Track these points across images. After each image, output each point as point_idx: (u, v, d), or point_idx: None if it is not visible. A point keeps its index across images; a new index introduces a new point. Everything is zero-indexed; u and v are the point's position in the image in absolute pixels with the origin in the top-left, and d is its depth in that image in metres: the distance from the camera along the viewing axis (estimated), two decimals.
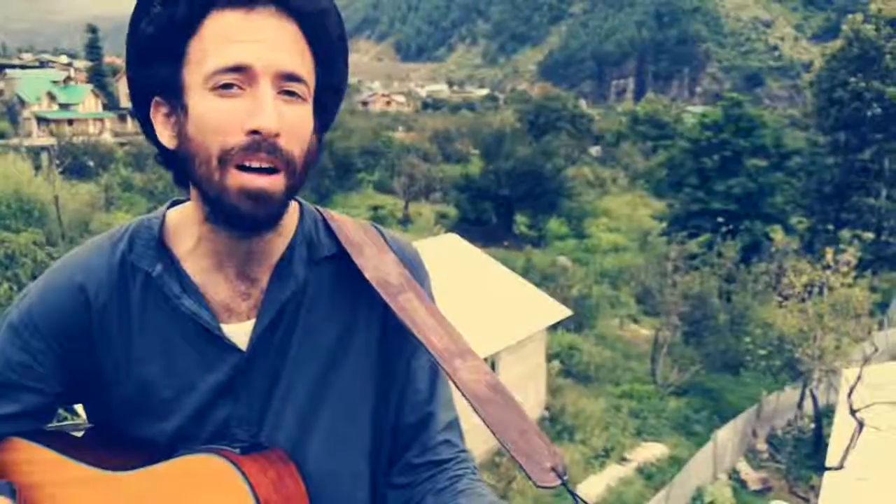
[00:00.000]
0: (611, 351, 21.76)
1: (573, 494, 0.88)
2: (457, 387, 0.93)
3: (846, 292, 16.78)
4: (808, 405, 17.78)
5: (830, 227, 32.40)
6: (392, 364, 1.05)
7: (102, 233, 1.04)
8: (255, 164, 0.87)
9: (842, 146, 33.45)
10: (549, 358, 18.59)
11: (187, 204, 1.01)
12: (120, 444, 0.99)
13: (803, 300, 17.25)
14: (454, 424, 1.09)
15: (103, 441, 1.01)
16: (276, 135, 0.86)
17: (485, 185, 36.96)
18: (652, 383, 19.68)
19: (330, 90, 0.97)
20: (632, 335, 24.19)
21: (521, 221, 38.14)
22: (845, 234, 30.61)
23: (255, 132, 0.86)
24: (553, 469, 0.88)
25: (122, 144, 45.88)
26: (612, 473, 15.30)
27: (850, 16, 36.84)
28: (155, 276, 0.97)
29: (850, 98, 32.78)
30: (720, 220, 29.42)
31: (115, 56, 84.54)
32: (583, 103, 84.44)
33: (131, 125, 58.73)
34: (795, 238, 30.64)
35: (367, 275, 1.00)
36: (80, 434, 1.05)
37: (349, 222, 1.07)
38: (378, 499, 1.06)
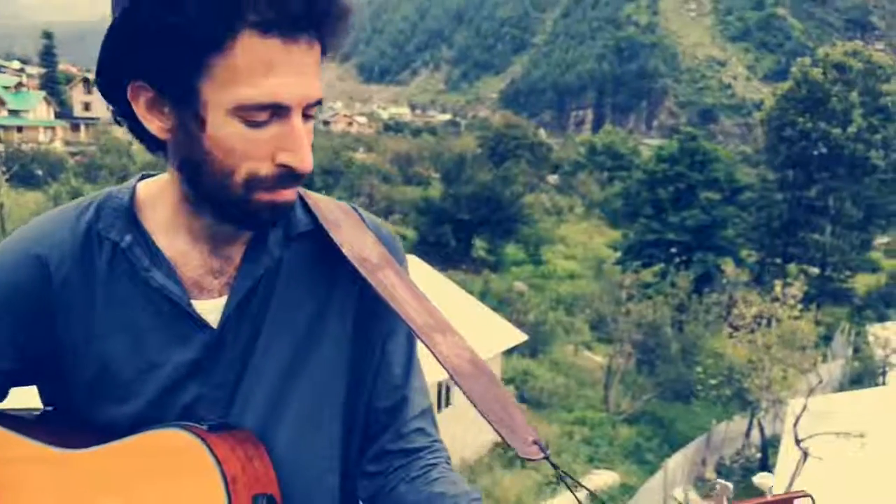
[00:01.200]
0: (564, 377, 21.88)
1: (554, 466, 0.90)
2: (438, 360, 0.91)
3: (793, 324, 17.23)
4: (756, 435, 18.10)
5: (779, 260, 33.38)
6: (366, 347, 1.02)
7: None
8: (284, 191, 0.87)
9: (790, 183, 34.62)
10: (504, 383, 18.58)
11: (159, 178, 0.97)
12: (75, 428, 0.93)
13: (752, 331, 17.65)
14: (428, 412, 1.06)
15: (57, 424, 0.95)
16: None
17: (444, 209, 37.13)
18: (604, 410, 19.82)
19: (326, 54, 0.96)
20: (585, 362, 24.37)
21: (479, 246, 38.34)
22: (793, 268, 31.53)
23: (287, 166, 0.86)
24: (535, 443, 0.89)
25: (73, 154, 44.89)
26: (564, 501, 15.29)
27: (799, 59, 38.35)
28: (124, 246, 0.92)
29: (799, 137, 34.04)
30: (674, 250, 30.09)
31: (69, 64, 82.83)
32: (542, 132, 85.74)
33: (84, 134, 57.54)
34: (746, 270, 31.42)
35: (344, 250, 0.97)
36: (30, 418, 0.99)
37: (326, 200, 1.04)
38: (348, 486, 1.03)
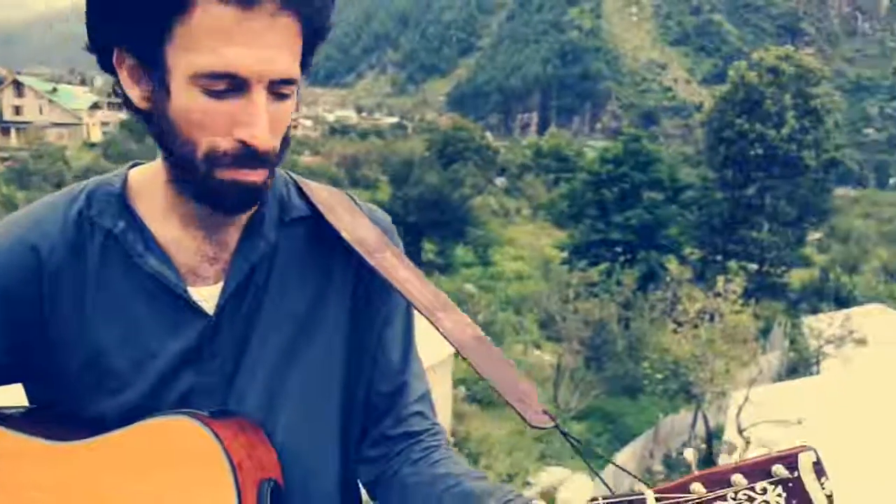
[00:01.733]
0: None
1: (565, 434, 0.92)
2: (444, 336, 0.93)
3: (734, 319, 17.76)
4: (701, 426, 18.59)
5: (720, 257, 34.26)
6: (364, 334, 1.01)
7: None
8: (245, 170, 0.84)
9: (729, 183, 35.59)
10: (455, 384, 18.67)
11: (150, 165, 0.95)
12: (63, 422, 0.91)
13: (696, 326, 18.12)
14: (426, 397, 1.07)
15: (44, 419, 0.92)
16: (271, 151, 0.84)
17: (393, 212, 35.89)
18: (554, 408, 20.06)
19: (309, 65, 0.93)
20: (535, 361, 24.63)
21: (428, 248, 38.33)
22: (733, 264, 32.41)
23: (244, 142, 0.83)
24: (545, 412, 0.91)
25: (3, 159, 43.13)
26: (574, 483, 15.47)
27: (735, 63, 39.49)
28: (117, 232, 0.90)
29: (737, 138, 35.03)
30: (619, 249, 30.64)
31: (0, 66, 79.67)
32: (489, 135, 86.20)
33: (15, 139, 55.36)
34: (688, 268, 32.18)
35: (343, 234, 0.96)
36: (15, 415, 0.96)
37: (320, 186, 1.04)
38: (348, 472, 1.02)
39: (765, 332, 25.74)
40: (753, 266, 33.54)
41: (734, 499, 0.76)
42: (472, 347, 0.94)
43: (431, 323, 0.94)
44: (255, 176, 0.85)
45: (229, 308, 0.92)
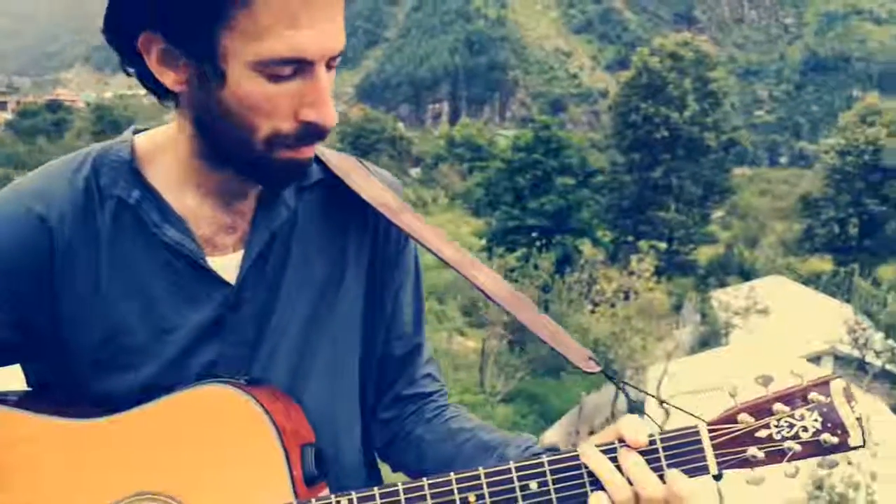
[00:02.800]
0: (440, 364, 22.22)
1: (611, 378, 0.99)
2: (483, 292, 0.94)
3: (649, 296, 18.49)
4: (622, 401, 19.27)
5: (631, 238, 35.51)
6: (380, 296, 1.01)
7: None
8: (305, 148, 0.83)
9: (637, 165, 36.90)
10: None
11: (159, 131, 0.91)
12: (71, 403, 0.86)
13: (613, 305, 18.76)
14: (434, 361, 1.10)
15: (46, 401, 0.87)
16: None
17: None
18: (481, 393, 20.33)
19: None
20: (459, 347, 24.87)
21: None
22: (643, 244, 33.68)
23: (310, 122, 0.82)
24: (591, 358, 0.93)
25: None
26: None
27: (638, 49, 40.86)
28: (132, 202, 0.86)
29: (642, 122, 36.34)
30: (535, 234, 31.25)
31: None
32: (401, 126, 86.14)
33: None
34: (602, 249, 33.20)
35: (364, 196, 0.95)
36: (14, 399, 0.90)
37: (330, 151, 1.02)
38: (365, 435, 1.03)
39: (677, 308, 26.91)
40: (663, 245, 34.94)
41: (776, 425, 0.80)
42: (515, 303, 0.96)
43: (469, 280, 0.95)
44: (311, 152, 0.86)
45: (251, 276, 0.91)
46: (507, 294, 0.97)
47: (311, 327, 0.94)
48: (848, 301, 23.31)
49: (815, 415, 0.81)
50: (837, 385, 0.82)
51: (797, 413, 0.81)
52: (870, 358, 18.65)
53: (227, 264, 0.90)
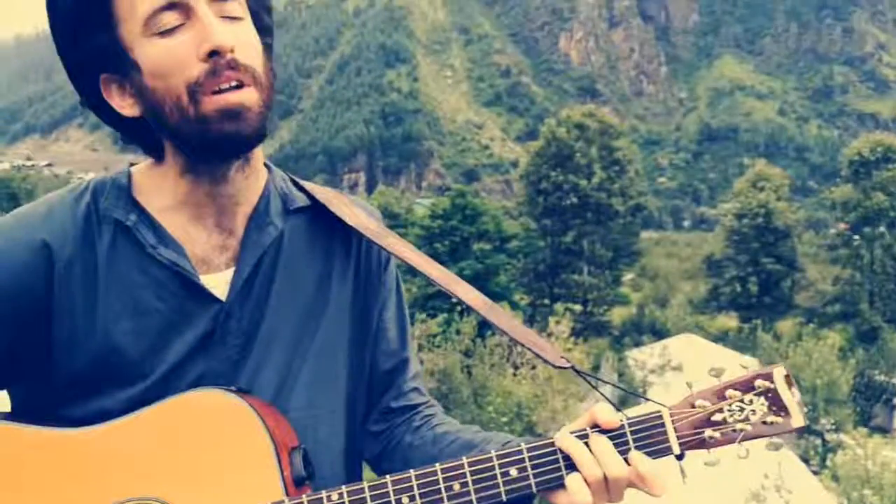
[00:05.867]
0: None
1: (579, 372, 1.03)
2: (464, 303, 1.03)
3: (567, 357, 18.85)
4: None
5: (547, 301, 36.27)
6: (365, 315, 1.06)
7: None
8: (225, 85, 0.85)
9: (549, 230, 38.09)
10: None
11: (152, 164, 0.97)
12: (56, 424, 0.86)
13: (533, 367, 19.00)
14: (420, 375, 1.15)
15: (31, 421, 0.87)
16: (232, 49, 0.85)
17: None
18: None
19: (262, 9, 0.96)
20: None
21: None
22: (559, 307, 34.43)
23: (212, 54, 0.85)
24: (562, 357, 1.01)
25: None
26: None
27: (546, 120, 42.73)
28: (130, 225, 0.90)
29: (553, 189, 37.73)
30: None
31: None
32: None
33: None
34: (519, 312, 33.72)
35: (350, 222, 1.02)
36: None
37: (314, 185, 1.09)
38: (353, 448, 1.06)
39: (595, 368, 27.45)
40: (578, 307, 35.84)
41: (729, 409, 0.89)
42: (486, 309, 1.04)
43: (450, 294, 1.04)
44: (239, 95, 0.87)
45: (242, 293, 0.95)
46: (483, 304, 1.06)
47: (297, 343, 0.98)
48: (753, 355, 24.42)
49: (762, 399, 0.90)
50: (780, 373, 0.92)
51: (746, 398, 0.90)
52: None
53: (218, 281, 0.95)
